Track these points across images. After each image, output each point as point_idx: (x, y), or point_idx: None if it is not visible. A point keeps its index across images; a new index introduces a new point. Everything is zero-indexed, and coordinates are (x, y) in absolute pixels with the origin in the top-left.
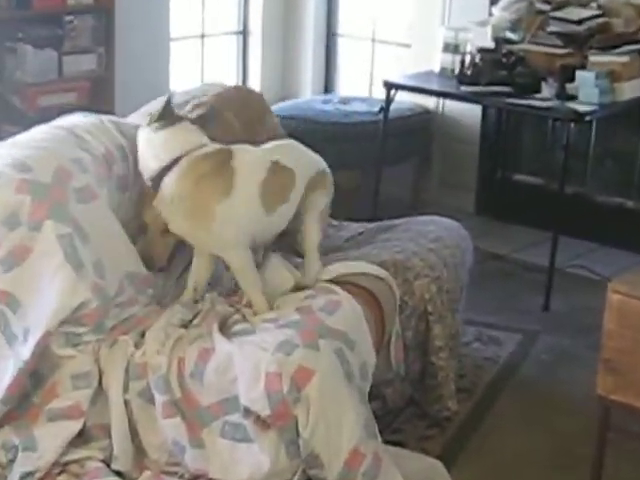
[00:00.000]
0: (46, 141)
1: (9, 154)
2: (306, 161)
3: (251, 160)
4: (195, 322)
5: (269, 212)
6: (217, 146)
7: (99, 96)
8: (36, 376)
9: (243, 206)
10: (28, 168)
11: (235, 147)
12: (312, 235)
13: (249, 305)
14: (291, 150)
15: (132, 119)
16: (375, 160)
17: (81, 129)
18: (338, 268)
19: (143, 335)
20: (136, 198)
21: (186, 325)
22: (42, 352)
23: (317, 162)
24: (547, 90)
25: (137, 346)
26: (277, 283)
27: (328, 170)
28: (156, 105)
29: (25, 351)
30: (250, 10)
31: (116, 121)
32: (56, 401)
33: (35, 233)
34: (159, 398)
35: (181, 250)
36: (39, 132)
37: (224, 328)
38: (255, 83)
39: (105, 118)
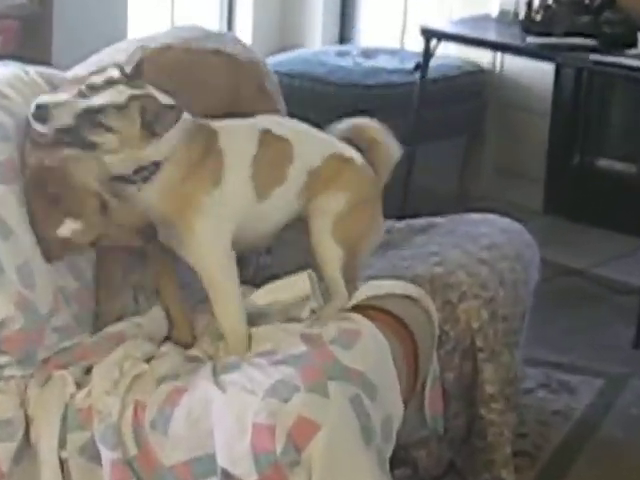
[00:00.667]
0: None
1: None
2: (313, 138)
3: (238, 134)
4: (163, 349)
5: (261, 198)
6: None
7: (31, 40)
8: None
9: (232, 196)
10: None
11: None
12: (327, 253)
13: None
14: (288, 121)
15: (75, 72)
16: (407, 136)
17: (1, 83)
18: (362, 292)
19: (89, 371)
20: None
21: (150, 359)
22: None
23: (330, 143)
24: None
25: (79, 385)
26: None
27: (353, 155)
28: (110, 53)
29: None
30: None
31: (48, 73)
32: None
33: None
34: (107, 455)
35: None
36: None
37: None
38: (245, 27)
39: (32, 69)
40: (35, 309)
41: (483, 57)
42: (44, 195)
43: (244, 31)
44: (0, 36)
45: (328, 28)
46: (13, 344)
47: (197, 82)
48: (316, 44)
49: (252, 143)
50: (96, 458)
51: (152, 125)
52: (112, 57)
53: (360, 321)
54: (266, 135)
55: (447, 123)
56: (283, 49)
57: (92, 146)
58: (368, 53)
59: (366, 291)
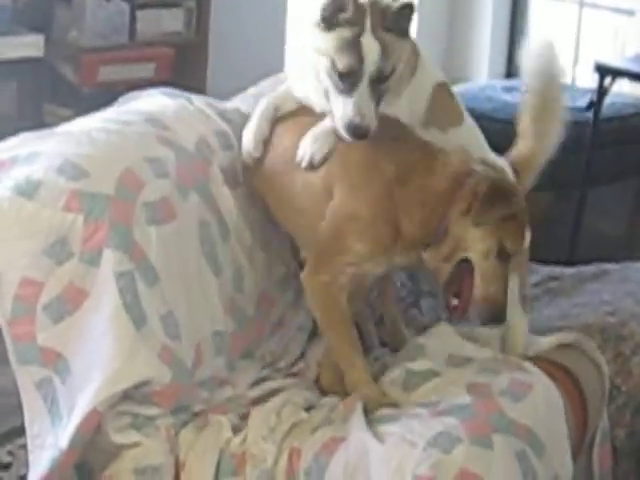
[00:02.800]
0: (111, 132)
1: (59, 152)
2: None
3: None
4: (323, 401)
5: None
6: None
7: (186, 69)
8: (84, 469)
9: None
10: (83, 173)
11: None
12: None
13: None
14: None
15: (234, 104)
16: (578, 178)
17: (163, 113)
18: (538, 345)
19: (246, 416)
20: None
21: (311, 408)
22: (89, 439)
23: None
24: None
25: (236, 430)
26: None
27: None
28: (269, 85)
29: (64, 437)
30: None
31: (214, 103)
32: None
33: (91, 268)
34: None
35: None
36: (101, 119)
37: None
38: None
39: (197, 98)
40: (181, 362)
41: None
42: None
43: None
44: (153, 63)
45: (495, 61)
46: (165, 398)
47: None
48: (482, 78)
49: None
50: None
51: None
52: (272, 87)
53: (534, 373)
54: None
55: (620, 165)
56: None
57: None
58: None
59: (540, 345)
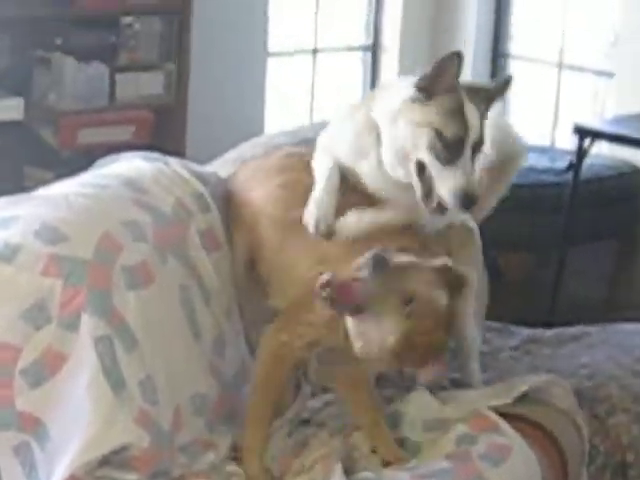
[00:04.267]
0: (89, 196)
1: (37, 216)
2: None
3: None
4: (306, 462)
5: None
6: None
7: (165, 132)
8: None
9: None
10: (61, 237)
11: None
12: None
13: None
14: None
15: (212, 168)
16: (557, 239)
17: (140, 176)
18: (516, 385)
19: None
20: (234, 258)
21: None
22: None
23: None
24: None
25: None
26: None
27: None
28: (249, 149)
29: None
30: (384, 17)
31: (190, 166)
32: None
33: (70, 333)
34: None
35: None
36: (79, 182)
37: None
38: None
39: (174, 161)
40: (159, 426)
41: (639, 157)
42: None
43: None
44: (133, 126)
45: None
46: (143, 463)
47: None
48: None
49: None
50: None
51: None
52: (251, 152)
53: (511, 436)
54: None
55: (599, 227)
56: None
57: None
58: None
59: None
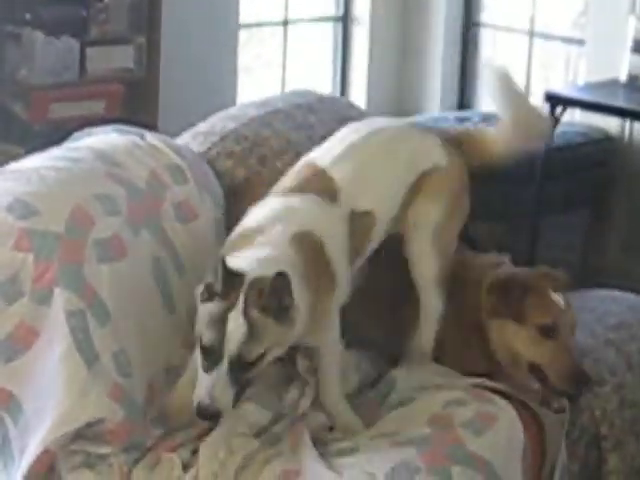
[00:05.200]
0: (61, 170)
1: (8, 190)
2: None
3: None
4: (275, 429)
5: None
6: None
7: (136, 105)
8: None
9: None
10: (32, 211)
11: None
12: (426, 267)
13: None
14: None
15: (183, 140)
16: (530, 208)
17: (114, 150)
18: None
19: (197, 451)
20: (209, 228)
21: (261, 432)
22: (42, 479)
23: (410, 171)
24: None
25: (187, 467)
26: None
27: (437, 161)
28: (219, 120)
29: (16, 477)
30: None
31: (167, 140)
32: None
33: (42, 307)
34: None
35: None
36: (51, 156)
37: (318, 443)
38: (359, 91)
39: (149, 135)
40: (132, 399)
41: (610, 124)
42: None
43: (358, 95)
44: (103, 100)
45: (447, 93)
46: (117, 436)
47: None
48: (435, 109)
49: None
50: None
51: None
52: (222, 124)
53: (501, 406)
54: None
55: (571, 194)
56: (400, 114)
57: None
58: (489, 119)
59: None
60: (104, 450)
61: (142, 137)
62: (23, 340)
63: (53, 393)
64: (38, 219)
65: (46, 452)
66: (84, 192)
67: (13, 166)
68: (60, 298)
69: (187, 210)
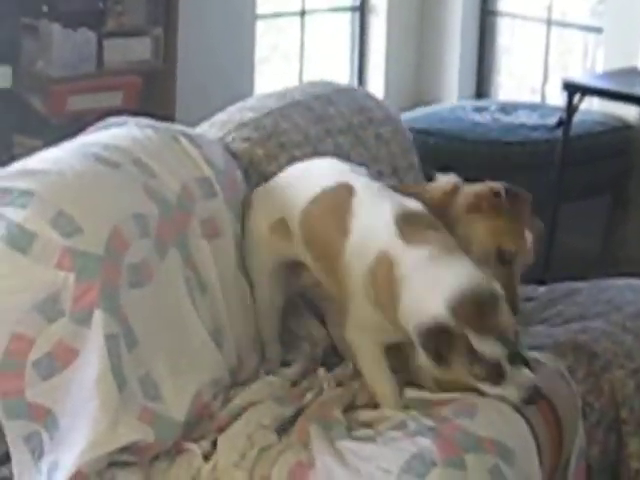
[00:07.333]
0: (102, 177)
1: (51, 197)
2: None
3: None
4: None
5: None
6: None
7: (154, 97)
8: None
9: None
10: (76, 229)
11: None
12: None
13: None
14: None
15: (202, 130)
16: (549, 195)
17: (150, 155)
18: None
19: (217, 443)
20: (231, 244)
21: (286, 427)
22: None
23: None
24: None
25: (207, 457)
26: None
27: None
28: (239, 113)
29: None
30: None
31: (198, 143)
32: None
33: (81, 328)
34: None
35: None
36: (87, 153)
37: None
38: (376, 81)
39: (178, 130)
40: (165, 420)
41: (629, 112)
42: None
43: (376, 86)
44: (121, 92)
45: (465, 82)
46: (147, 452)
47: None
48: (452, 99)
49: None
50: None
51: None
52: (240, 115)
53: (468, 397)
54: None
55: (590, 182)
56: (418, 104)
57: None
58: (507, 108)
59: None
60: (133, 458)
61: (176, 140)
62: (62, 359)
63: (87, 413)
64: (81, 238)
65: (79, 473)
66: (123, 211)
67: (46, 159)
68: (100, 320)
69: (213, 227)
